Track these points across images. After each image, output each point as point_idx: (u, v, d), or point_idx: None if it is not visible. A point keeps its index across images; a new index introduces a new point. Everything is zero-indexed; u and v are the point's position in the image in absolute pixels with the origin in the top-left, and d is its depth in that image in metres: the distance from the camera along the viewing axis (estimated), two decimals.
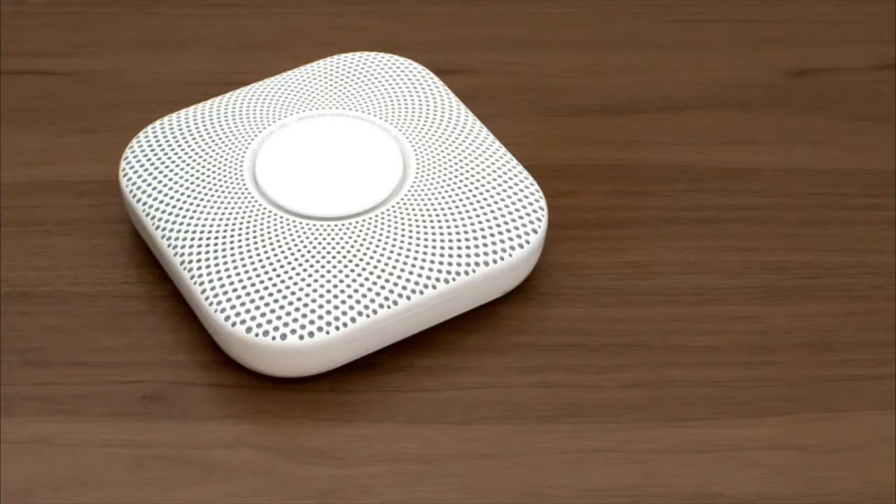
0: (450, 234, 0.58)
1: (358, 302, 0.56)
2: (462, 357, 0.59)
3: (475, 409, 0.57)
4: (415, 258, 0.57)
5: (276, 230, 0.58)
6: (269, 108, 0.63)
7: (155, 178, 0.60)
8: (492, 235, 0.58)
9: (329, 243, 0.57)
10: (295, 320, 0.55)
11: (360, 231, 0.58)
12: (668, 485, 0.55)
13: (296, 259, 0.57)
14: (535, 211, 0.59)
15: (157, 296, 0.60)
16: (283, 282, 0.56)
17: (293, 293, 0.56)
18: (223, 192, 0.59)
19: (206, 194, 0.59)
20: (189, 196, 0.59)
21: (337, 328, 0.55)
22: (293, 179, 0.60)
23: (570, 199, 0.63)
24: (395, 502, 0.54)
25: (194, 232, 0.58)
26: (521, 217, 0.59)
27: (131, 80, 0.70)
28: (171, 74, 0.70)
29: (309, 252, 0.57)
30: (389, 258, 0.57)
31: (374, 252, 0.57)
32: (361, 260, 0.57)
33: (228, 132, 0.62)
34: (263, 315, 0.55)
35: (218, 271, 0.56)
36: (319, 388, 0.57)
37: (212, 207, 0.59)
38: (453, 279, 0.57)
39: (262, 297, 0.55)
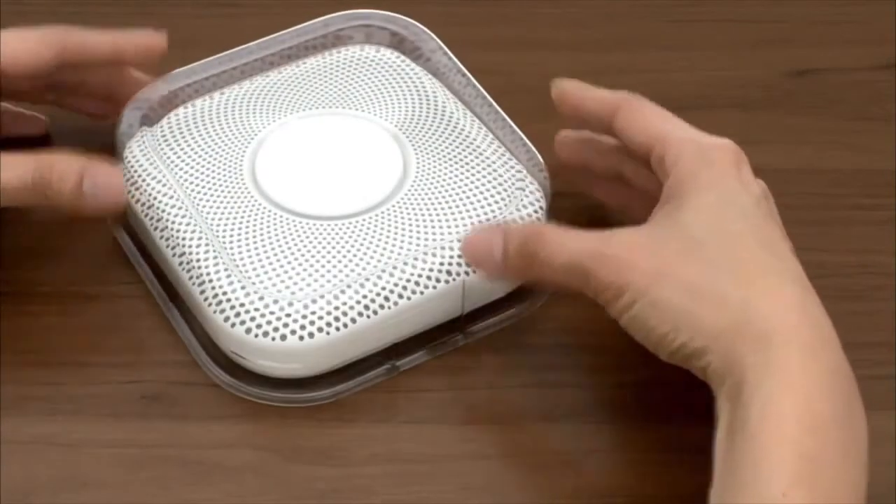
0: (450, 233, 0.58)
1: (358, 302, 0.56)
2: (462, 357, 0.58)
3: (475, 409, 0.57)
4: (415, 258, 0.57)
5: (276, 230, 0.58)
6: (269, 108, 0.63)
7: (154, 177, 0.60)
8: None
9: (329, 243, 0.57)
10: (295, 320, 0.55)
11: (360, 231, 0.58)
12: (668, 485, 0.54)
13: (296, 259, 0.57)
14: (535, 211, 0.59)
15: (157, 295, 0.60)
16: (282, 281, 0.56)
17: (293, 293, 0.56)
18: (223, 191, 0.59)
19: (206, 194, 0.59)
20: (189, 195, 0.59)
21: (337, 328, 0.55)
22: (293, 178, 0.60)
23: (570, 199, 0.63)
24: (395, 502, 0.54)
25: (194, 231, 0.58)
26: (521, 217, 0.59)
27: None
28: None
29: (309, 252, 0.57)
30: (389, 258, 0.57)
31: (374, 252, 0.57)
32: (361, 260, 0.57)
33: (228, 131, 0.62)
34: (263, 315, 0.55)
35: (217, 271, 0.56)
36: (319, 388, 0.57)
37: (212, 207, 0.59)
38: (453, 279, 0.57)
39: (261, 298, 0.55)
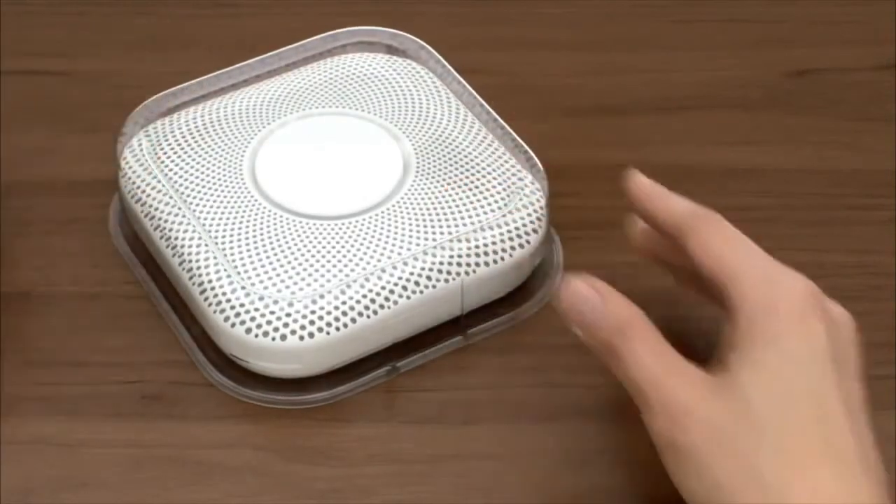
0: (449, 233, 0.58)
1: (358, 302, 0.56)
2: (462, 357, 0.59)
3: (475, 409, 0.57)
4: (415, 258, 0.57)
5: (275, 229, 0.58)
6: (269, 108, 0.63)
7: (154, 178, 0.60)
8: (492, 235, 0.58)
9: (329, 243, 0.57)
10: (295, 320, 0.55)
11: (360, 230, 0.58)
12: (669, 485, 0.54)
13: (296, 258, 0.57)
14: (535, 211, 0.59)
15: (157, 296, 0.60)
16: (282, 282, 0.56)
17: (293, 293, 0.56)
18: (223, 191, 0.59)
19: (205, 194, 0.59)
20: (188, 196, 0.59)
21: (337, 328, 0.55)
22: (293, 179, 0.60)
23: (570, 199, 0.63)
24: (395, 502, 0.54)
25: (194, 232, 0.58)
26: (521, 217, 0.59)
27: (131, 80, 0.70)
28: (171, 74, 0.70)
29: (309, 251, 0.57)
30: (389, 258, 0.57)
31: (375, 252, 0.57)
32: (361, 260, 0.57)
33: (228, 132, 0.62)
34: (263, 315, 0.55)
35: (217, 271, 0.56)
36: (319, 389, 0.57)
37: (211, 207, 0.59)
38: (453, 279, 0.57)
39: (261, 298, 0.55)
